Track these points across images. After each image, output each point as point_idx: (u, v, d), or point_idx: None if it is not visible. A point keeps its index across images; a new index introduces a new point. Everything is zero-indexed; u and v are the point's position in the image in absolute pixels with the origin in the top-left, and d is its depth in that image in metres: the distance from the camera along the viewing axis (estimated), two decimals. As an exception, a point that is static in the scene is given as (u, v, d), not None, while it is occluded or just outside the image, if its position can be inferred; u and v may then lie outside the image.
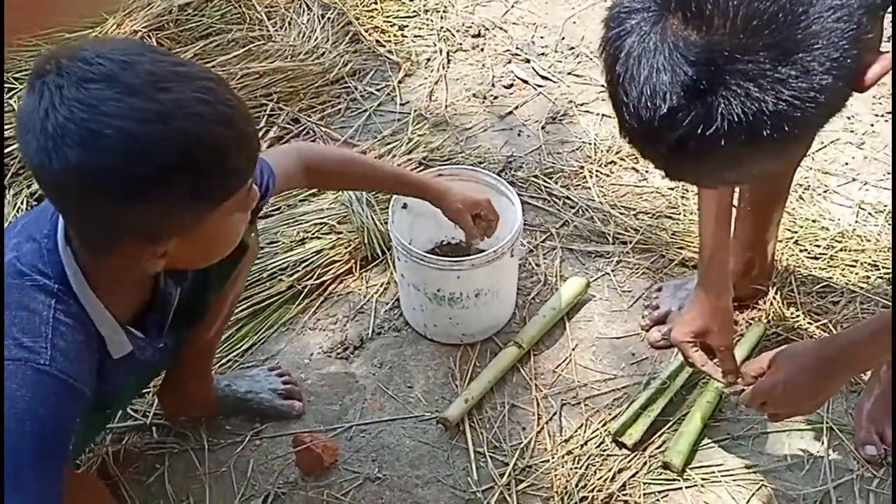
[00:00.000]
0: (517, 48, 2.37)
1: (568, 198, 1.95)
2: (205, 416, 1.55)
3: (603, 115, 2.17)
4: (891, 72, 1.03)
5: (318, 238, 1.84)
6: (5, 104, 2.01)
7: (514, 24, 2.45)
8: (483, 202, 1.57)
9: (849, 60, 0.78)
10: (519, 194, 1.70)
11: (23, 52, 2.17)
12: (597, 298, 1.77)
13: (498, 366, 1.62)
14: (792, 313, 1.67)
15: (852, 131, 2.06)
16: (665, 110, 0.78)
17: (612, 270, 1.82)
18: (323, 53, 2.31)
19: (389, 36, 2.40)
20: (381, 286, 1.80)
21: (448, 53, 2.36)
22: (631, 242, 1.85)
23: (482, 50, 2.38)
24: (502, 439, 1.53)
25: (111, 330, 1.05)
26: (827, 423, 1.52)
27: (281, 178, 1.28)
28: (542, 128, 2.15)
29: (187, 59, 0.86)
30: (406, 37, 2.41)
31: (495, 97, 2.25)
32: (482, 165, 2.01)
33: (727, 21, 0.76)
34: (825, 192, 1.92)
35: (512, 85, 2.29)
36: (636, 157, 2.07)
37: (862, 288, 1.71)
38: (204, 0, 2.34)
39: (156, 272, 1.04)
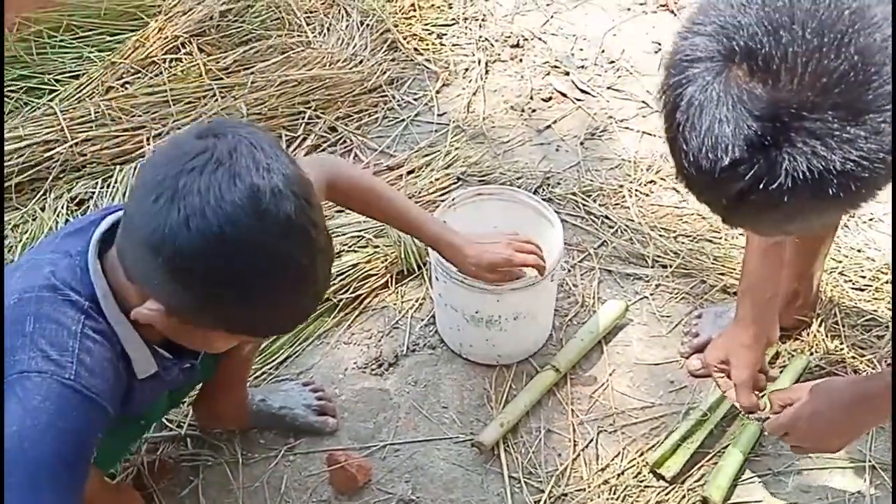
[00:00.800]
0: (556, 60, 2.35)
1: (607, 217, 1.93)
2: (238, 429, 1.55)
3: (643, 132, 2.15)
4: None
5: (355, 251, 1.82)
6: (48, 107, 2.02)
7: (552, 34, 2.43)
8: (499, 261, 1.46)
9: None
10: (556, 212, 1.68)
11: (65, 55, 2.18)
12: (635, 322, 1.74)
13: (534, 389, 1.60)
14: (836, 346, 1.64)
15: (899, 157, 2.02)
16: (727, 162, 0.77)
17: (651, 294, 1.79)
18: (361, 61, 2.30)
19: (428, 44, 2.38)
20: (416, 302, 1.78)
21: (486, 64, 2.34)
22: (671, 266, 1.82)
23: (521, 61, 2.36)
24: (538, 465, 1.52)
25: (138, 350, 1.06)
26: (869, 461, 1.49)
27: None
28: (581, 143, 2.12)
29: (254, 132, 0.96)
30: (444, 45, 2.40)
31: (533, 110, 2.22)
32: (520, 181, 1.99)
33: (795, 77, 0.74)
34: (871, 220, 1.88)
35: (550, 98, 2.26)
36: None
37: (907, 321, 1.68)
38: (245, 6, 2.33)
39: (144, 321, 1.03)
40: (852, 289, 1.74)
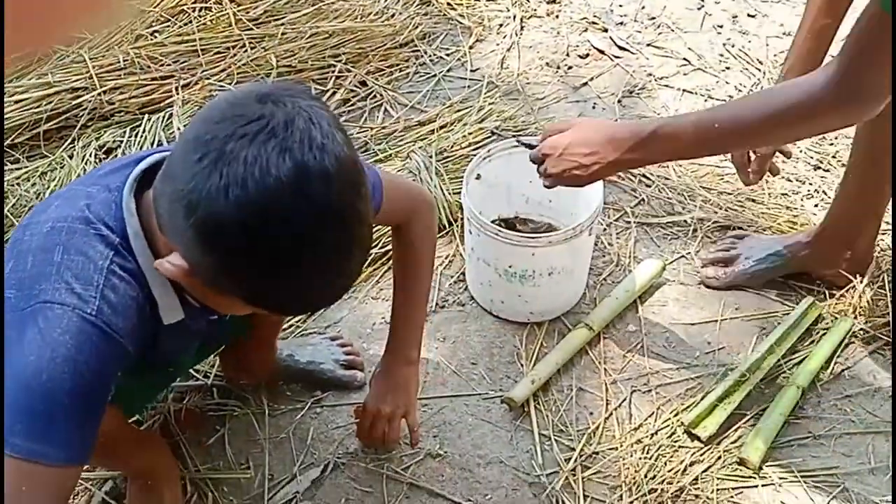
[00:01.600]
0: (594, 16, 2.28)
1: (645, 175, 1.87)
2: (265, 382, 1.53)
3: (683, 89, 2.08)
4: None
5: (385, 205, 1.78)
6: (77, 55, 1.99)
7: (591, -11, 2.35)
8: (385, 415, 1.37)
9: None
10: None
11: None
12: (671, 282, 1.69)
13: (566, 347, 1.56)
14: (882, 310, 1.57)
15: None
16: None
17: (689, 253, 1.74)
18: (393, 15, 2.25)
19: (462, -1, 2.32)
20: (446, 259, 1.74)
21: (522, 19, 2.27)
22: (710, 225, 1.76)
23: (557, 17, 2.29)
24: (568, 423, 1.48)
25: (165, 294, 1.03)
26: (915, 427, 1.44)
27: (388, 211, 1.22)
28: (619, 101, 2.06)
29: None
30: (479, 0, 2.33)
31: (569, 67, 2.16)
32: (555, 137, 1.93)
33: None
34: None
35: (588, 55, 2.19)
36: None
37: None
38: (276, -45, 2.28)
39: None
40: (901, 251, 1.67)
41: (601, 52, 2.20)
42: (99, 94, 1.90)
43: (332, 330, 1.63)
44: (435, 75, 2.15)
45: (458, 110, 2.04)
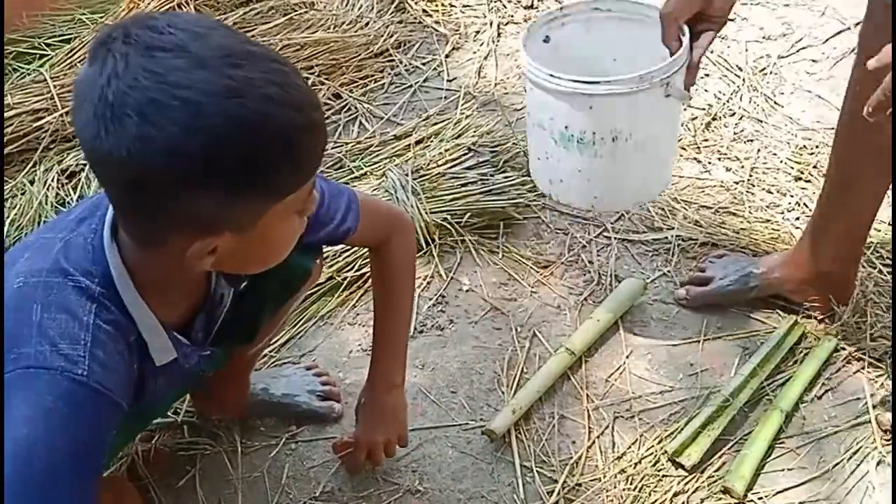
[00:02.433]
0: (572, 22, 2.23)
1: (624, 189, 1.83)
2: (237, 417, 1.48)
3: (663, 98, 2.04)
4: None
5: (360, 227, 1.74)
6: (38, 73, 1.93)
7: (568, -6, 2.31)
8: (379, 445, 1.34)
9: None
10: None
11: (56, 17, 2.08)
12: (653, 300, 1.66)
13: (547, 373, 1.52)
14: (866, 331, 1.55)
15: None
16: None
17: (671, 270, 1.70)
18: (367, 24, 2.20)
19: (437, 5, 2.27)
20: (424, 280, 1.71)
21: (499, 26, 2.23)
22: (692, 240, 1.73)
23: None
24: (551, 453, 1.45)
25: (155, 334, 0.98)
26: (902, 451, 1.42)
27: (365, 232, 1.19)
28: (598, 110, 2.02)
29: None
30: (454, 7, 2.29)
31: (547, 75, 2.11)
32: (533, 151, 1.89)
33: None
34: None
35: (566, 62, 2.15)
36: (698, 148, 1.95)
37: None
38: (244, -36, 2.23)
39: (202, 270, 0.97)
40: (884, 265, 1.64)
41: (579, 59, 2.16)
42: (61, 116, 1.84)
43: (308, 359, 1.59)
44: (411, 86, 2.10)
45: (435, 123, 1.99)
